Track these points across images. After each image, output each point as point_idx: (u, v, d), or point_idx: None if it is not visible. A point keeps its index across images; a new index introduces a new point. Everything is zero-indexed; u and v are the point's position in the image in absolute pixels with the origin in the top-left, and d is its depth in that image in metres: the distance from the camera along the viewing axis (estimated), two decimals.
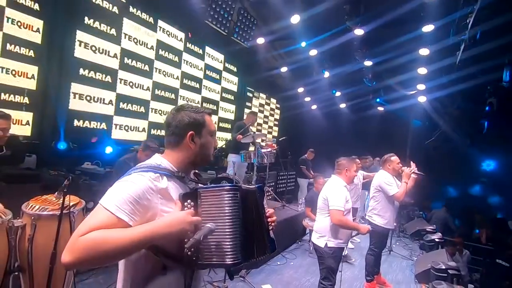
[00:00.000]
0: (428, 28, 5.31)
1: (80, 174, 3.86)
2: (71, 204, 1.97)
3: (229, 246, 1.00)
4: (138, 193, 0.97)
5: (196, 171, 1.29)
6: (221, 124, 7.46)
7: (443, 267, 3.55)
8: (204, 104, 6.80)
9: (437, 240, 5.53)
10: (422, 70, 6.93)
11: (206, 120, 1.17)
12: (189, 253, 0.94)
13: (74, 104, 4.16)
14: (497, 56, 5.29)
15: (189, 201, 1.04)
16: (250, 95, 8.81)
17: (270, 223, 1.20)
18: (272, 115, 10.31)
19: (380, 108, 10.35)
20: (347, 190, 2.81)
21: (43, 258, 1.82)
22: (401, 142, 10.29)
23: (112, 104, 4.68)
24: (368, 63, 7.01)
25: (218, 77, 7.22)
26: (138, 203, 0.96)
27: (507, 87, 5.22)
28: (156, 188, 1.01)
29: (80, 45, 4.13)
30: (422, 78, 7.38)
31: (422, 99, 8.50)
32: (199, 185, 1.13)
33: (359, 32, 5.69)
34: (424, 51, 6.10)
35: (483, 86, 6.47)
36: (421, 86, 7.76)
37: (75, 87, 4.14)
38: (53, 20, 3.83)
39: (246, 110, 8.53)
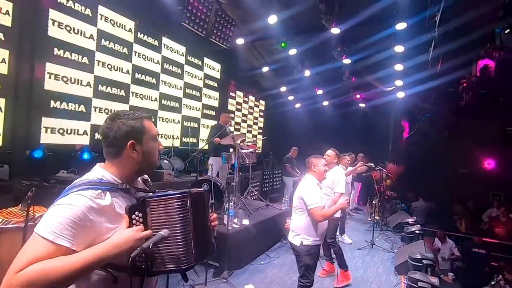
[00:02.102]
0: (401, 26, 5.45)
1: (55, 183, 3.76)
2: (37, 215, 1.93)
3: (182, 252, 1.01)
4: (78, 215, 0.90)
5: (145, 176, 1.27)
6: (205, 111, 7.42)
7: (419, 257, 3.68)
8: (187, 91, 6.70)
9: (417, 231, 5.72)
10: (399, 67, 7.11)
11: (145, 126, 1.11)
12: (138, 262, 0.94)
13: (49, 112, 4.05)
14: (467, 52, 5.51)
15: (136, 213, 1.02)
16: (233, 94, 8.82)
17: (212, 227, 1.24)
18: (251, 113, 10.33)
19: (362, 105, 10.55)
20: (320, 188, 2.86)
21: None
22: (383, 138, 10.55)
23: (89, 111, 4.59)
24: (346, 61, 7.13)
25: (200, 63, 7.15)
26: (79, 225, 0.90)
27: (477, 81, 5.43)
28: (99, 206, 0.96)
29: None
30: (399, 75, 7.58)
31: (400, 94, 8.72)
32: (148, 194, 1.12)
33: (335, 31, 5.79)
34: (399, 48, 6.26)
35: (456, 80, 6.71)
36: (398, 82, 7.95)
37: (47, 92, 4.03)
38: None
39: (231, 101, 8.63)
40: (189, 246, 1.03)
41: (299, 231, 2.78)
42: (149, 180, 1.29)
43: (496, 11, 4.48)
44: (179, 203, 1.03)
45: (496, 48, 4.89)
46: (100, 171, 1.07)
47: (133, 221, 1.01)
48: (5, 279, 0.80)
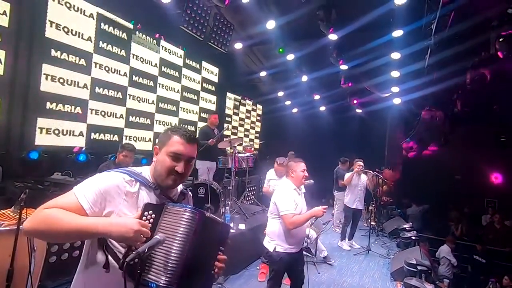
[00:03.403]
0: (397, 33, 5.52)
1: (49, 185, 3.71)
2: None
3: (170, 266, 0.96)
4: (106, 188, 1.05)
5: (184, 190, 1.30)
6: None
7: (414, 262, 3.68)
8: (184, 94, 6.71)
9: (413, 238, 5.72)
10: (395, 73, 7.18)
11: (170, 139, 1.17)
12: (130, 264, 0.91)
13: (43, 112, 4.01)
14: (462, 60, 5.59)
15: (150, 212, 1.05)
16: (231, 96, 8.84)
17: (215, 266, 1.12)
18: (248, 117, 10.34)
19: (358, 110, 10.62)
20: (298, 194, 2.72)
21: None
22: (379, 143, 10.60)
23: (85, 113, 4.55)
24: (343, 67, 7.19)
25: (198, 66, 7.18)
26: (102, 196, 1.04)
27: (472, 89, 5.51)
28: (124, 189, 1.09)
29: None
30: (396, 81, 7.65)
31: (397, 101, 8.79)
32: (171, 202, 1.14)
33: (333, 37, 5.85)
34: (395, 55, 6.33)
35: (451, 88, 6.79)
36: (395, 89, 8.02)
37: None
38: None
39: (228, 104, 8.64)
40: (178, 263, 0.96)
41: (274, 237, 2.69)
42: (186, 193, 1.32)
43: (490, 20, 4.57)
44: (188, 216, 1.02)
45: (491, 56, 4.97)
46: (143, 168, 1.22)
47: (144, 218, 1.04)
48: (36, 210, 0.99)
